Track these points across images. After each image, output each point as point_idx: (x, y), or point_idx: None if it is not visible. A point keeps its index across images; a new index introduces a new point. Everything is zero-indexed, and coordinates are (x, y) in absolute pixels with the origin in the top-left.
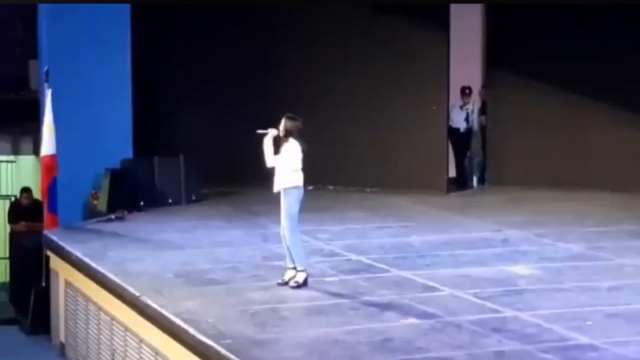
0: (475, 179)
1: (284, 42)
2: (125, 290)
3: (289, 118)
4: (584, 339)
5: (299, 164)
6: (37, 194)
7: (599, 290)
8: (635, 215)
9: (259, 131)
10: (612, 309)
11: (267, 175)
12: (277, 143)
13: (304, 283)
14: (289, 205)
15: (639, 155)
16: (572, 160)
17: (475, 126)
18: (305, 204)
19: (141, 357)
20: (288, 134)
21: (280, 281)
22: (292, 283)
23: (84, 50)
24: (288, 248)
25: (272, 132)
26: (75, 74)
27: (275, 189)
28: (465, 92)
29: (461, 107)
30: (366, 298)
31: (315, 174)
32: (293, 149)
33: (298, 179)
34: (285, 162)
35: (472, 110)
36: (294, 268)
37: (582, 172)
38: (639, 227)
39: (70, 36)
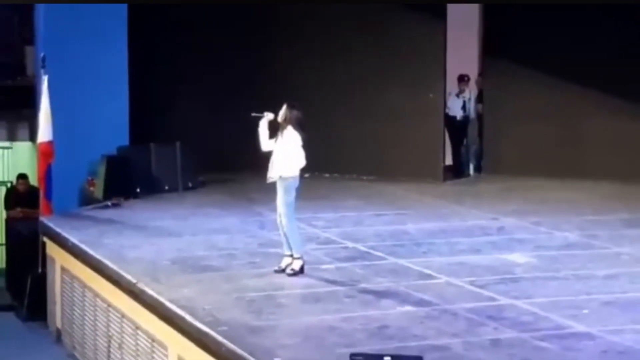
0: (471, 167)
1: (281, 30)
2: (122, 276)
3: (290, 106)
4: (580, 327)
5: (297, 153)
6: (33, 181)
7: (594, 278)
8: (630, 204)
9: (254, 114)
10: (607, 297)
11: (263, 163)
12: (274, 127)
13: (301, 270)
14: (285, 193)
15: (635, 145)
16: (568, 149)
17: (472, 114)
18: (302, 192)
19: (137, 344)
20: (287, 121)
21: (277, 268)
22: (288, 270)
23: (81, 37)
24: (285, 235)
25: (268, 116)
26: (72, 61)
27: (271, 175)
28: (464, 79)
29: (458, 95)
30: (362, 285)
31: (312, 161)
32: (291, 138)
33: (295, 167)
34: (283, 150)
35: (469, 99)
36: (291, 255)
37: (578, 161)
38: (635, 215)
39: (67, 23)
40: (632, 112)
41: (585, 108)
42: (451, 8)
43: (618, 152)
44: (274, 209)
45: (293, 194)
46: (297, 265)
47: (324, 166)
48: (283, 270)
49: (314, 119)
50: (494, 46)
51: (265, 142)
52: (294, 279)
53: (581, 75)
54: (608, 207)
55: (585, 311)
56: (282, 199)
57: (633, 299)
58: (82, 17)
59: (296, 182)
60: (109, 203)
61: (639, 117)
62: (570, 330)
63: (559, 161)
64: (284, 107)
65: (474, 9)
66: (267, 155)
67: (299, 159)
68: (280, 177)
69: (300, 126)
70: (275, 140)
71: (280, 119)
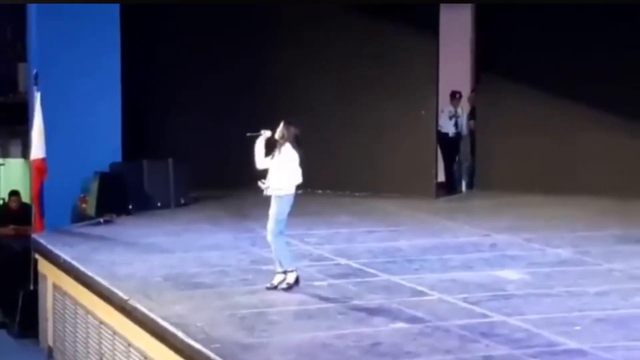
0: (464, 184)
1: (274, 45)
2: (114, 293)
3: (287, 123)
4: (572, 344)
5: (293, 170)
6: (25, 198)
7: (587, 295)
8: (623, 220)
9: (249, 134)
10: (600, 313)
11: (256, 179)
12: (271, 145)
13: (296, 282)
14: (279, 210)
15: (627, 160)
16: (560, 165)
17: (464, 131)
18: (295, 209)
19: None
20: (285, 138)
21: (269, 285)
22: (283, 285)
23: (73, 54)
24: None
25: (265, 134)
26: (65, 78)
27: (268, 192)
28: (456, 96)
29: (450, 118)
30: (355, 302)
31: (305, 177)
32: (289, 155)
33: (291, 185)
34: (280, 167)
35: (461, 116)
36: (284, 272)
37: (570, 177)
38: (627, 232)
39: (59, 39)
40: (624, 127)
41: (577, 124)
42: (444, 24)
43: (611, 168)
44: (266, 226)
45: (286, 211)
46: (291, 278)
47: (317, 183)
48: (275, 287)
49: (307, 135)
50: (487, 62)
51: (260, 161)
52: (286, 295)
53: (573, 91)
54: (601, 223)
55: (578, 328)
56: (274, 216)
57: (625, 315)
58: (75, 34)
59: (291, 200)
60: (101, 220)
61: (632, 133)
62: (562, 347)
63: (552, 177)
64: (282, 124)
65: (467, 25)
66: (261, 172)
67: (296, 176)
68: (278, 194)
69: (297, 143)
70: (272, 157)
71: (277, 136)
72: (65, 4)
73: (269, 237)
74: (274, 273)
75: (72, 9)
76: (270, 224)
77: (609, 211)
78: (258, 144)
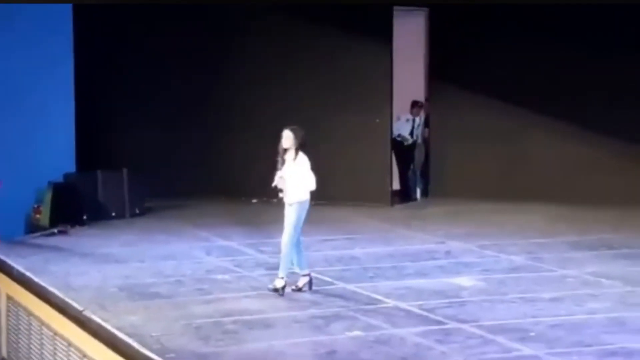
0: (418, 192)
1: (228, 56)
2: (68, 304)
3: (294, 130)
4: (526, 350)
5: (308, 176)
6: None
7: (541, 301)
8: (575, 227)
9: (275, 184)
10: (554, 319)
11: (210, 189)
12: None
13: (282, 289)
14: (298, 217)
15: (579, 167)
16: (514, 172)
17: (419, 139)
18: (249, 218)
19: None
20: (295, 146)
21: (293, 287)
22: (270, 286)
23: (25, 63)
24: (297, 256)
25: (282, 175)
26: (17, 87)
27: (288, 200)
28: (417, 105)
29: (407, 119)
30: (311, 310)
31: (259, 187)
32: (302, 162)
33: (307, 191)
34: (295, 174)
35: (418, 124)
36: (307, 274)
37: (523, 184)
38: (580, 238)
39: (10, 48)
40: (576, 134)
41: (530, 132)
42: (398, 32)
43: (564, 175)
44: (222, 235)
45: (303, 217)
46: (279, 284)
47: (272, 191)
48: (300, 290)
49: (260, 144)
50: (440, 71)
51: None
52: (242, 304)
53: (526, 99)
54: (554, 229)
55: (532, 334)
56: (292, 223)
57: (579, 321)
58: (27, 42)
59: (306, 206)
60: (56, 230)
61: (584, 140)
62: (517, 353)
63: (505, 185)
64: (288, 132)
65: (421, 33)
66: (214, 182)
67: (310, 182)
68: (298, 202)
69: (305, 146)
70: (282, 166)
71: (287, 144)
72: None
73: (284, 239)
74: (299, 276)
75: (23, 18)
76: (288, 230)
77: (561, 218)
78: (280, 183)
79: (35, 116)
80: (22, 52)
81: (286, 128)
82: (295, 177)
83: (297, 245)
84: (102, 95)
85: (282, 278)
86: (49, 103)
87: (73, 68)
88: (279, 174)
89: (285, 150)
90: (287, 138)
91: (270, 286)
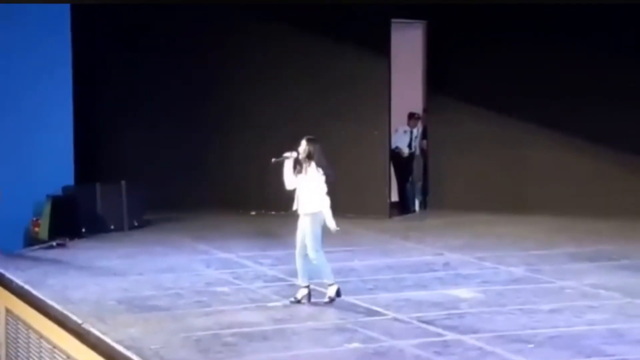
0: (417, 203)
1: (226, 66)
2: (67, 317)
3: (310, 141)
4: None
5: (323, 187)
6: None
7: (540, 312)
8: (574, 238)
9: (274, 159)
10: (552, 331)
11: (209, 201)
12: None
13: (337, 295)
14: (314, 227)
15: (577, 179)
16: (513, 184)
17: (417, 151)
18: (249, 229)
19: None
20: (310, 157)
21: (292, 299)
22: (325, 299)
23: (24, 75)
24: (301, 266)
25: (292, 155)
26: (16, 100)
27: (299, 210)
28: (414, 117)
29: (405, 131)
30: (310, 323)
31: (258, 199)
32: (315, 173)
33: (325, 202)
34: (309, 186)
35: (416, 136)
36: (307, 287)
37: (522, 196)
38: (578, 249)
39: (8, 60)
40: (576, 146)
41: (529, 143)
42: (396, 44)
43: (562, 186)
44: (220, 247)
45: (320, 227)
46: (332, 291)
47: (271, 204)
48: (299, 301)
49: (259, 157)
50: (438, 83)
51: (290, 182)
52: (241, 317)
53: (524, 111)
54: (553, 241)
55: (531, 346)
56: (310, 234)
57: (578, 333)
58: (25, 55)
59: (321, 217)
60: (54, 243)
61: (583, 151)
62: None
63: (504, 196)
64: (304, 142)
65: (419, 45)
66: (213, 194)
67: (324, 193)
68: (312, 212)
69: (324, 157)
70: (297, 176)
71: (302, 156)
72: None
73: (311, 254)
74: (298, 287)
75: (21, 28)
76: (310, 242)
77: (560, 229)
78: (287, 167)
79: (34, 130)
80: (21, 67)
81: (304, 138)
82: (309, 188)
83: (306, 256)
84: (101, 108)
85: (333, 284)
86: (47, 116)
87: (71, 80)
88: (287, 154)
89: (301, 160)
90: (302, 150)
91: (326, 299)
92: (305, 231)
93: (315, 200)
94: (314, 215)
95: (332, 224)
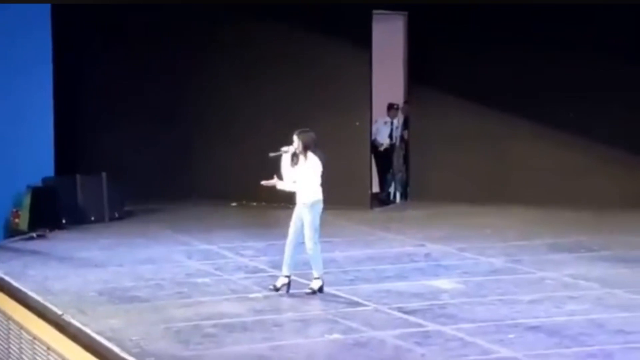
0: (398, 194)
1: (207, 58)
2: (47, 308)
3: (302, 132)
4: (505, 352)
5: (319, 177)
6: None
7: (520, 303)
8: (554, 229)
9: (272, 154)
10: (533, 321)
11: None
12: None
13: (320, 290)
14: (313, 217)
15: (558, 171)
16: (493, 175)
17: (398, 142)
18: (230, 221)
19: None
20: (306, 148)
21: (271, 287)
22: (307, 290)
23: (4, 67)
24: (290, 256)
25: (290, 149)
26: None
27: (300, 201)
28: (394, 107)
29: (385, 122)
30: (290, 314)
31: (239, 190)
32: (314, 163)
33: (320, 192)
34: (307, 176)
35: (397, 127)
36: (288, 277)
37: (502, 187)
38: (558, 240)
39: None
40: (556, 138)
41: (509, 134)
42: (377, 36)
43: (543, 178)
44: (201, 239)
45: (318, 216)
46: (316, 285)
47: (251, 195)
48: (277, 290)
49: (240, 148)
50: (420, 74)
51: (287, 175)
52: (222, 308)
53: (506, 102)
54: (533, 232)
55: (511, 336)
56: (309, 224)
57: (558, 323)
58: (5, 48)
59: (321, 205)
60: (34, 234)
61: (563, 143)
62: (496, 355)
63: (484, 187)
64: (295, 136)
65: (400, 37)
66: (193, 185)
67: (315, 188)
68: (311, 203)
69: (316, 146)
70: (294, 167)
71: (298, 149)
72: None
73: (308, 244)
74: (279, 276)
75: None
76: (308, 232)
77: (541, 220)
78: (284, 161)
79: (14, 120)
80: (1, 58)
81: (295, 133)
82: (306, 179)
83: (298, 246)
84: (80, 99)
85: (319, 278)
86: (27, 106)
87: (52, 71)
88: (285, 149)
89: (296, 153)
90: (295, 144)
91: (308, 290)
92: (303, 221)
93: (312, 191)
94: (313, 205)
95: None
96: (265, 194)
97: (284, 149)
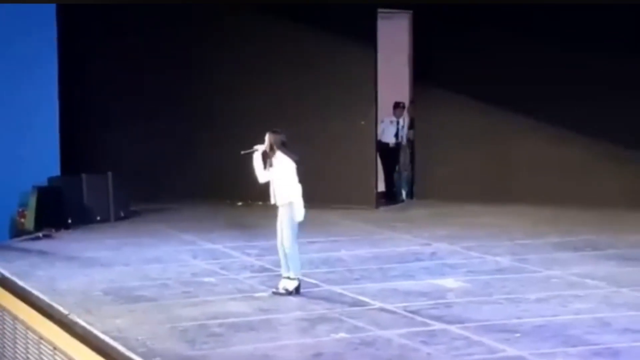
0: (404, 193)
1: (212, 57)
2: (53, 308)
3: (273, 132)
4: (512, 351)
5: (294, 177)
6: None
7: (526, 302)
8: (559, 228)
9: (243, 152)
10: (539, 320)
11: (195, 193)
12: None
13: (296, 291)
14: (290, 218)
15: (563, 169)
16: (499, 174)
17: (404, 141)
18: (235, 220)
19: None
20: (274, 148)
21: (274, 290)
22: (281, 289)
23: (10, 67)
24: (283, 257)
25: (260, 148)
26: (2, 92)
27: (275, 202)
28: (400, 106)
29: (391, 121)
30: (296, 313)
31: (244, 189)
32: (284, 163)
33: (296, 191)
34: (280, 177)
35: (403, 126)
36: (288, 277)
37: (508, 186)
38: (564, 239)
39: None
40: (562, 136)
41: (515, 133)
42: (382, 35)
43: (548, 177)
44: (206, 238)
45: (300, 216)
46: (291, 285)
47: (257, 194)
48: (290, 293)
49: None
50: (425, 73)
51: (261, 175)
52: (227, 307)
53: (511, 101)
54: (538, 231)
55: (517, 335)
56: (287, 224)
57: (564, 322)
58: (10, 47)
59: (300, 204)
60: (40, 234)
61: (569, 142)
62: (502, 354)
63: (490, 186)
64: (267, 135)
65: (405, 36)
66: (199, 185)
67: (296, 183)
68: (286, 202)
69: (285, 146)
70: (268, 169)
71: (268, 148)
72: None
73: (285, 243)
74: (281, 278)
75: (7, 22)
76: (287, 231)
77: (546, 219)
78: (256, 159)
79: (19, 120)
80: (6, 59)
81: (268, 132)
82: (281, 178)
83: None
84: (86, 99)
85: (295, 279)
86: (33, 106)
87: (57, 71)
88: (256, 147)
89: (267, 153)
90: (266, 143)
91: (281, 290)
92: (282, 222)
93: (287, 191)
94: (290, 205)
95: (299, 214)
96: (268, 194)
97: (256, 147)
